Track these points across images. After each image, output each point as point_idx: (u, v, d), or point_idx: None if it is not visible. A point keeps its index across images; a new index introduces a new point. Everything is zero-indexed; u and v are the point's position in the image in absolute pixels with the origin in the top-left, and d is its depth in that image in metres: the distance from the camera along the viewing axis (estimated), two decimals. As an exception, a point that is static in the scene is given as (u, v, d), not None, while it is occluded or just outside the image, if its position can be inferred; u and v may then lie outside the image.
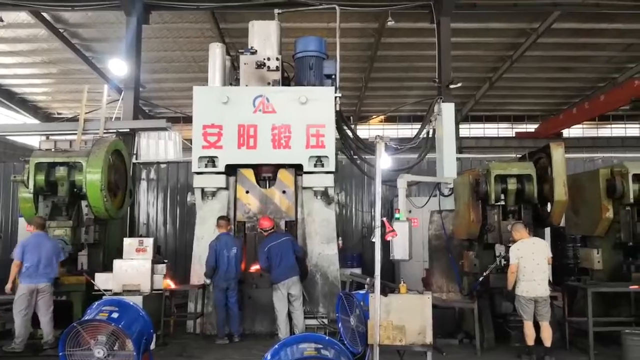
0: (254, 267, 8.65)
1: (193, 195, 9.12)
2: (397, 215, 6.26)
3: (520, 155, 9.41)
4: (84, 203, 8.54)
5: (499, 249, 7.87)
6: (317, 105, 8.88)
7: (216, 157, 8.81)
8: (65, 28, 15.23)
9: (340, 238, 9.51)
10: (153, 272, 7.90)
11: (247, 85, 9.21)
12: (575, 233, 9.06)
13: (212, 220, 8.72)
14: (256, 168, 8.99)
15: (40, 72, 19.10)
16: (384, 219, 5.46)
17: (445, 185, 10.34)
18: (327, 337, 4.30)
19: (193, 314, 8.68)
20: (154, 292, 7.84)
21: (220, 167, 8.81)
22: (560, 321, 7.70)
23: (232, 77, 9.93)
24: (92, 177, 8.26)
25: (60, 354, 4.49)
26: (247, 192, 8.93)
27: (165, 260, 8.49)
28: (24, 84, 20.79)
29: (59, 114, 23.86)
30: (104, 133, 10.99)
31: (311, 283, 8.70)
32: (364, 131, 23.59)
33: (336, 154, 9.12)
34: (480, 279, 7.64)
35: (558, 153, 7.82)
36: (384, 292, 5.19)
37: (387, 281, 5.56)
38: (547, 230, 9.35)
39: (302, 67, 9.51)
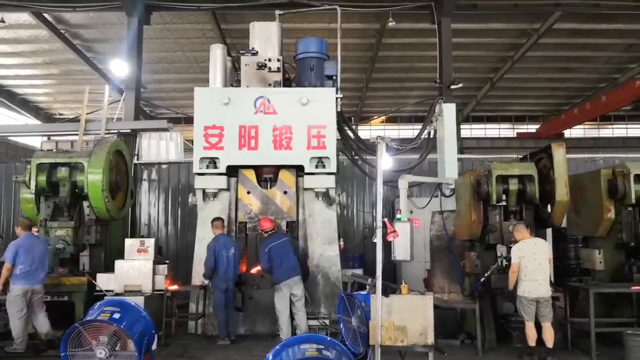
0: (255, 269, 8.66)
1: (194, 196, 9.12)
2: (398, 216, 6.25)
3: (522, 156, 9.41)
4: (85, 204, 8.54)
5: (501, 249, 7.86)
6: (318, 106, 8.88)
7: (217, 158, 8.81)
8: (66, 29, 15.26)
9: (341, 239, 9.52)
10: (154, 272, 7.92)
11: (248, 86, 9.22)
12: (576, 234, 9.05)
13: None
14: (257, 169, 9.00)
15: (42, 73, 19.14)
16: (386, 219, 5.46)
17: (447, 185, 10.35)
18: (328, 338, 4.30)
19: (194, 315, 8.69)
20: (155, 292, 7.85)
21: (222, 168, 8.81)
22: (562, 322, 7.69)
23: (233, 78, 9.92)
24: (94, 178, 8.27)
25: (62, 354, 4.50)
26: (249, 192, 8.93)
27: (167, 261, 8.49)
28: (26, 85, 20.83)
29: (60, 114, 23.91)
30: (105, 134, 11.01)
31: (313, 284, 8.70)
32: (365, 132, 23.65)
33: (337, 155, 9.12)
34: (482, 279, 7.64)
35: (559, 153, 7.82)
36: (386, 292, 5.19)
37: (388, 282, 5.56)
38: (549, 231, 9.34)
39: (303, 68, 9.51)
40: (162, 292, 7.95)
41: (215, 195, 9.00)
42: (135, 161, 12.52)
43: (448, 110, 11.24)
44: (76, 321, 5.05)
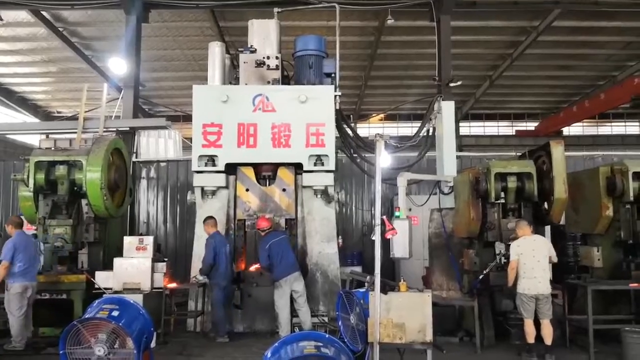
0: (254, 267, 8.67)
1: (193, 194, 9.13)
2: (397, 214, 6.24)
3: (520, 154, 9.42)
4: (84, 201, 8.53)
5: (499, 246, 7.88)
6: (317, 104, 8.87)
7: (216, 156, 8.81)
8: (64, 27, 15.22)
9: (340, 236, 9.53)
10: (153, 270, 7.92)
11: (246, 84, 9.21)
12: (575, 231, 9.05)
13: (211, 218, 8.72)
14: (256, 167, 9.00)
15: (40, 71, 19.10)
16: (384, 217, 5.46)
17: (445, 183, 10.33)
18: (327, 335, 4.31)
19: (193, 312, 8.69)
20: (154, 290, 7.85)
21: (220, 166, 8.82)
22: (560, 319, 7.69)
23: (231, 75, 9.91)
24: (92, 176, 8.26)
25: (61, 352, 4.50)
26: (247, 190, 8.94)
27: (165, 259, 8.50)
28: (24, 83, 20.78)
29: (58, 112, 23.86)
30: (104, 132, 11.00)
31: (311, 281, 8.71)
32: (364, 129, 23.66)
33: (336, 153, 9.12)
34: (481, 277, 7.65)
35: (558, 151, 7.82)
36: (384, 290, 5.19)
37: (387, 279, 5.55)
38: (548, 229, 9.35)
39: (301, 65, 9.50)
40: (160, 290, 7.95)
41: (214, 193, 9.00)
42: (133, 159, 12.50)
43: (447, 108, 11.22)
44: (75, 319, 5.05)
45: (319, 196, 8.94)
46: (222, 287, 8.10)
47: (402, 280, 5.46)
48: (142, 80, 14.04)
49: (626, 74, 19.49)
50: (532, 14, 14.74)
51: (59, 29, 15.14)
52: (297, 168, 8.99)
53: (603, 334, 7.44)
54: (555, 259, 7.19)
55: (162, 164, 13.79)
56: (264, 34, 9.63)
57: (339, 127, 9.87)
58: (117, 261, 7.89)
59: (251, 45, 9.48)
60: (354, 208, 13.50)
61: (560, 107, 24.67)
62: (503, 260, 7.65)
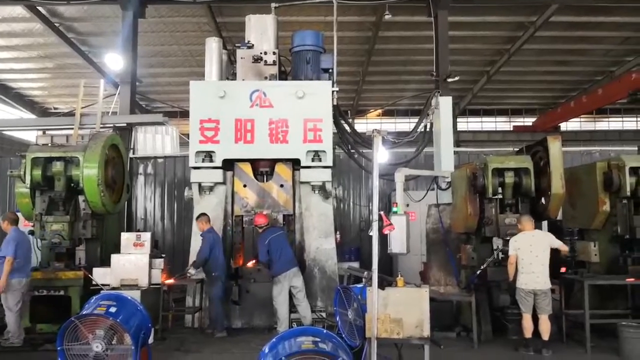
0: (251, 262, 8.67)
1: (190, 190, 9.11)
2: (394, 209, 6.25)
3: (518, 149, 9.41)
4: (81, 198, 8.51)
5: (497, 242, 7.89)
6: (315, 99, 8.86)
7: (213, 151, 8.79)
8: (60, 22, 15.14)
9: (338, 232, 9.53)
10: (151, 266, 7.91)
11: (244, 80, 9.18)
12: (572, 226, 9.05)
13: (209, 214, 8.70)
14: (253, 162, 8.99)
15: (36, 67, 19.01)
16: (382, 212, 5.46)
17: (443, 179, 10.33)
18: (325, 331, 4.32)
19: (191, 308, 8.70)
20: (151, 286, 7.84)
21: (218, 162, 8.80)
22: (557, 314, 7.71)
23: (229, 71, 9.89)
24: (89, 172, 8.24)
25: (59, 348, 4.50)
26: (245, 185, 8.93)
27: (163, 255, 8.49)
28: (20, 79, 20.68)
29: (55, 108, 23.79)
30: (101, 128, 10.94)
31: (309, 277, 8.71)
32: (362, 125, 23.63)
33: (334, 148, 9.11)
34: (478, 272, 7.67)
35: (555, 146, 7.83)
36: (382, 285, 5.19)
37: (384, 275, 5.56)
38: (545, 223, 9.37)
39: (299, 61, 9.48)
40: (158, 286, 7.94)
41: (211, 189, 8.99)
42: (131, 155, 12.49)
43: (444, 104, 11.22)
44: (72, 315, 5.05)
45: (316, 192, 8.94)
46: (223, 281, 8.10)
47: (399, 275, 5.47)
48: (139, 76, 14.01)
49: (624, 69, 19.50)
50: (529, 9, 14.73)
51: (55, 24, 15.07)
52: (295, 164, 8.98)
53: (600, 328, 7.48)
54: (564, 248, 7.21)
55: (160, 160, 13.78)
56: (261, 30, 9.60)
57: (336, 122, 9.86)
58: (114, 257, 7.87)
59: (248, 41, 9.45)
60: (351, 204, 13.50)
61: (557, 103, 24.68)
62: (500, 255, 7.66)
